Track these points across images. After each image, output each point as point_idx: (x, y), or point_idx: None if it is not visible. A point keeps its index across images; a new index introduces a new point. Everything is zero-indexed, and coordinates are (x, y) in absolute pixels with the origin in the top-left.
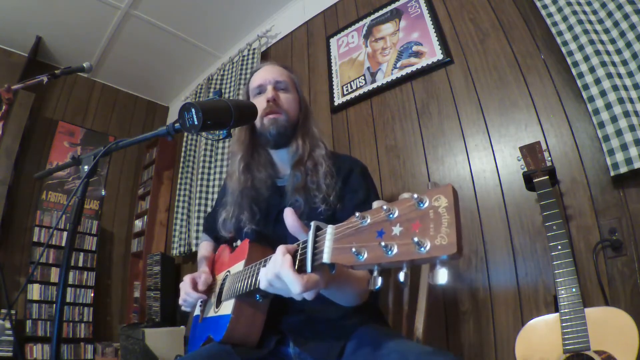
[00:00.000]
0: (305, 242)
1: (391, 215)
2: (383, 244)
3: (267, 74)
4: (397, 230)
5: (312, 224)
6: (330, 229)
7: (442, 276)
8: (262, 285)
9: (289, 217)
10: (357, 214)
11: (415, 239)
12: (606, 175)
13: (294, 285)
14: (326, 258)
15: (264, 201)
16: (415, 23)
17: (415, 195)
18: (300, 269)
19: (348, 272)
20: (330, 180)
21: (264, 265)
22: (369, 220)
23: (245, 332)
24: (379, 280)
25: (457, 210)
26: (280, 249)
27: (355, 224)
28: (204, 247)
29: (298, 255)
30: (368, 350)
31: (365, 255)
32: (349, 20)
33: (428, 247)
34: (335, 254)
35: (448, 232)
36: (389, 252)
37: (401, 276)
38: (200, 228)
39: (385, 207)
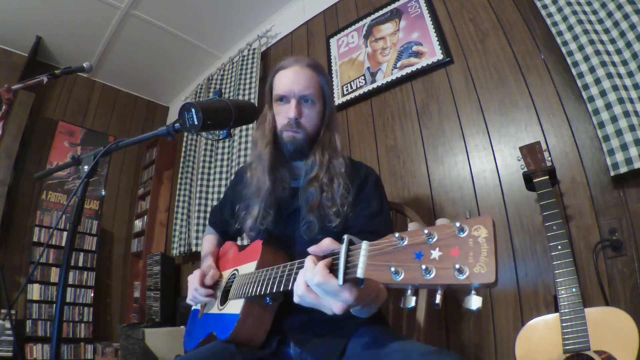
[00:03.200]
0: (336, 253)
1: (431, 239)
2: (423, 266)
3: (293, 84)
4: (436, 254)
5: (345, 237)
6: (365, 245)
7: (477, 302)
8: (296, 299)
9: (315, 251)
10: (396, 234)
11: (457, 265)
12: (606, 175)
13: (324, 285)
14: (360, 273)
15: (278, 200)
16: (415, 23)
17: (457, 224)
18: None
19: (379, 289)
20: (345, 192)
21: (288, 274)
22: (406, 242)
23: (252, 332)
24: (413, 300)
25: (496, 242)
26: (311, 258)
27: (393, 243)
28: (209, 241)
29: (329, 266)
30: (370, 349)
31: (403, 275)
32: (349, 20)
33: (467, 274)
34: (370, 270)
35: (487, 261)
36: (428, 275)
37: (437, 299)
38: (201, 228)
39: (425, 230)
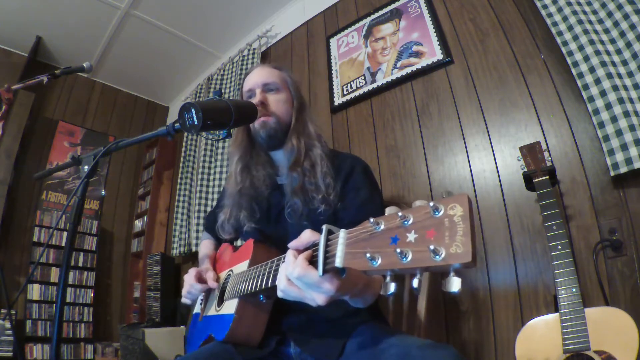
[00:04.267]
0: (317, 245)
1: (406, 222)
2: (398, 250)
3: (256, 78)
4: (412, 237)
5: (324, 227)
6: (342, 234)
7: (456, 284)
8: (279, 294)
9: (295, 245)
10: (371, 219)
11: (431, 247)
12: (606, 175)
13: (303, 278)
14: (339, 262)
15: (264, 199)
16: (415, 23)
17: (432, 204)
18: None
19: (368, 277)
20: (330, 180)
21: (275, 269)
22: (382, 226)
23: (248, 332)
24: (392, 286)
25: (472, 219)
26: (290, 252)
27: (369, 229)
28: (205, 245)
29: (309, 258)
30: (369, 346)
31: (380, 261)
32: (349, 20)
33: (443, 255)
34: (349, 259)
35: (463, 240)
36: (404, 259)
37: (415, 282)
38: (201, 228)
39: (400, 213)
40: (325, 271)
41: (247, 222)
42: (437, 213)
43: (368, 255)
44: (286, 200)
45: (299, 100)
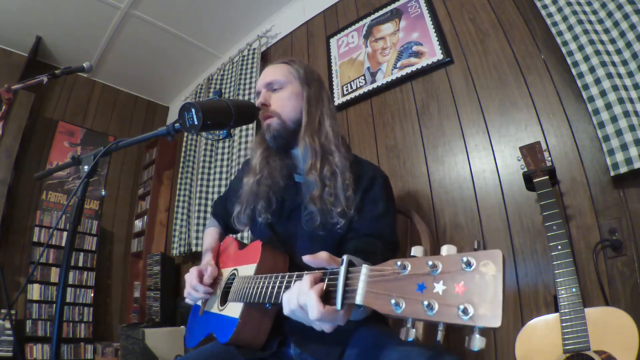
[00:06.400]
0: (335, 275)
1: (435, 271)
2: (425, 302)
3: (262, 78)
4: (439, 288)
5: (345, 258)
6: (365, 270)
7: (480, 343)
8: (285, 312)
9: (309, 261)
10: (398, 262)
11: (461, 306)
12: (606, 175)
13: (322, 319)
14: (359, 300)
15: (279, 191)
16: (415, 23)
17: (465, 258)
18: (326, 303)
19: None
20: (351, 192)
21: (286, 286)
22: (409, 270)
23: (251, 336)
24: (413, 333)
25: (504, 280)
26: (308, 278)
27: (395, 271)
28: (210, 235)
29: (324, 287)
30: (369, 350)
31: (404, 307)
32: (349, 20)
33: (471, 314)
34: (370, 298)
35: (493, 302)
36: (430, 311)
37: (439, 336)
38: (201, 228)
39: (430, 262)
40: (342, 305)
41: (264, 213)
42: (468, 268)
43: (393, 300)
44: (303, 206)
45: (310, 92)
